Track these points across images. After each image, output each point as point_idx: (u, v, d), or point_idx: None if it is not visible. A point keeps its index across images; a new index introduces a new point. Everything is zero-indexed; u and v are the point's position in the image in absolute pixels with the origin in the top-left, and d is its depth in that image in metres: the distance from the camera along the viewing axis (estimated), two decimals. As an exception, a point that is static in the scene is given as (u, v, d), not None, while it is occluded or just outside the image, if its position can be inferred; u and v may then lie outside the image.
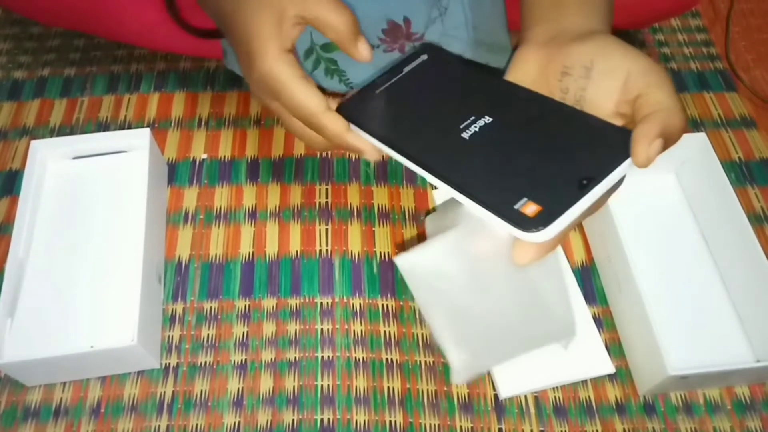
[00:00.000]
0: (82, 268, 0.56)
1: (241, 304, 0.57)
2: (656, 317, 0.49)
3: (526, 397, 0.53)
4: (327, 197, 0.63)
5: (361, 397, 0.53)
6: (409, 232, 0.61)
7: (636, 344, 0.53)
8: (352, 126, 0.40)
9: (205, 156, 0.66)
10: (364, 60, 0.41)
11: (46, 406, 0.52)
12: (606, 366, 0.54)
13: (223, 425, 0.52)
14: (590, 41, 0.37)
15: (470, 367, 0.43)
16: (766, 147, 0.68)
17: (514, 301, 0.41)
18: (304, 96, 0.39)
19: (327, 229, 0.61)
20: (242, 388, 0.53)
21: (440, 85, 0.41)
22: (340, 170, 0.65)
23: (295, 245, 0.60)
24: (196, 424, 0.52)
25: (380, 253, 0.60)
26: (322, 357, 0.55)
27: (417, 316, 0.57)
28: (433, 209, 0.62)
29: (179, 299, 0.57)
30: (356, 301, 0.57)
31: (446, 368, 0.54)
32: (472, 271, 0.39)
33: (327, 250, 0.60)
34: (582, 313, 0.56)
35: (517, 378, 0.53)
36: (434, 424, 0.52)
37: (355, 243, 0.60)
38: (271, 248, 0.60)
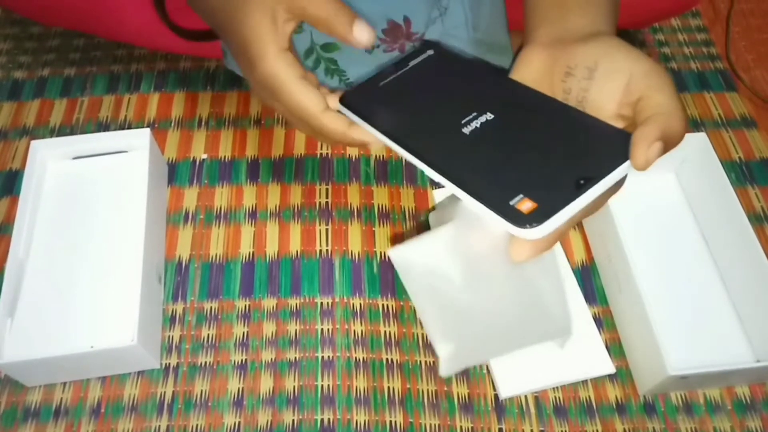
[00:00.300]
0: (82, 268, 0.56)
1: (241, 304, 0.57)
2: (656, 317, 0.49)
3: (526, 397, 0.53)
4: (327, 197, 0.63)
5: (362, 398, 0.53)
6: (410, 232, 0.61)
7: (636, 344, 0.53)
8: (353, 116, 0.40)
9: (205, 156, 0.66)
10: (364, 46, 0.39)
11: (46, 407, 0.52)
12: (606, 366, 0.54)
13: (223, 425, 0.52)
14: (594, 43, 0.38)
15: (457, 360, 0.43)
16: (766, 147, 0.68)
17: (508, 298, 0.41)
18: (302, 97, 0.39)
19: (327, 229, 0.61)
20: (242, 388, 0.53)
21: (444, 80, 0.41)
22: (340, 170, 0.65)
23: (295, 245, 0.60)
24: (196, 425, 0.52)
25: (380, 253, 0.60)
26: (323, 357, 0.55)
27: (417, 316, 0.57)
28: (434, 208, 0.62)
29: (179, 299, 0.57)
30: (356, 301, 0.57)
31: (446, 368, 0.54)
32: (465, 266, 0.39)
33: (327, 250, 0.60)
34: (582, 313, 0.56)
35: (517, 378, 0.53)
36: (434, 425, 0.52)
37: (355, 243, 0.60)
38: (271, 248, 0.60)
